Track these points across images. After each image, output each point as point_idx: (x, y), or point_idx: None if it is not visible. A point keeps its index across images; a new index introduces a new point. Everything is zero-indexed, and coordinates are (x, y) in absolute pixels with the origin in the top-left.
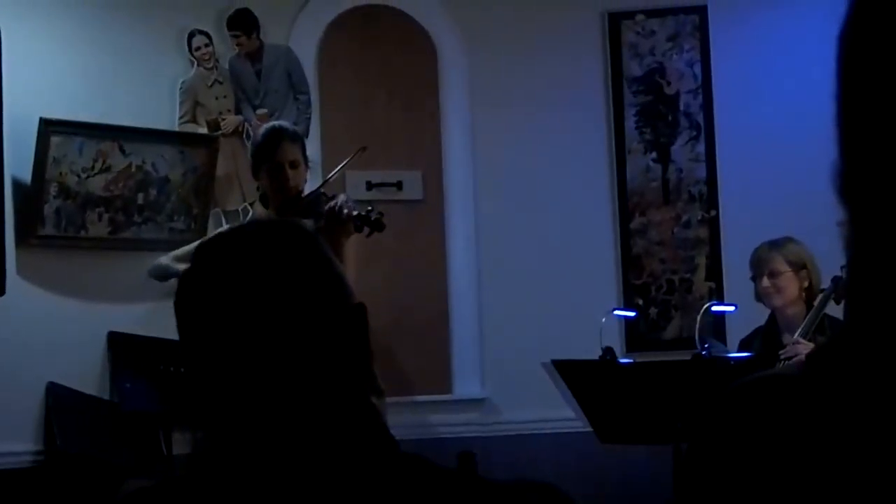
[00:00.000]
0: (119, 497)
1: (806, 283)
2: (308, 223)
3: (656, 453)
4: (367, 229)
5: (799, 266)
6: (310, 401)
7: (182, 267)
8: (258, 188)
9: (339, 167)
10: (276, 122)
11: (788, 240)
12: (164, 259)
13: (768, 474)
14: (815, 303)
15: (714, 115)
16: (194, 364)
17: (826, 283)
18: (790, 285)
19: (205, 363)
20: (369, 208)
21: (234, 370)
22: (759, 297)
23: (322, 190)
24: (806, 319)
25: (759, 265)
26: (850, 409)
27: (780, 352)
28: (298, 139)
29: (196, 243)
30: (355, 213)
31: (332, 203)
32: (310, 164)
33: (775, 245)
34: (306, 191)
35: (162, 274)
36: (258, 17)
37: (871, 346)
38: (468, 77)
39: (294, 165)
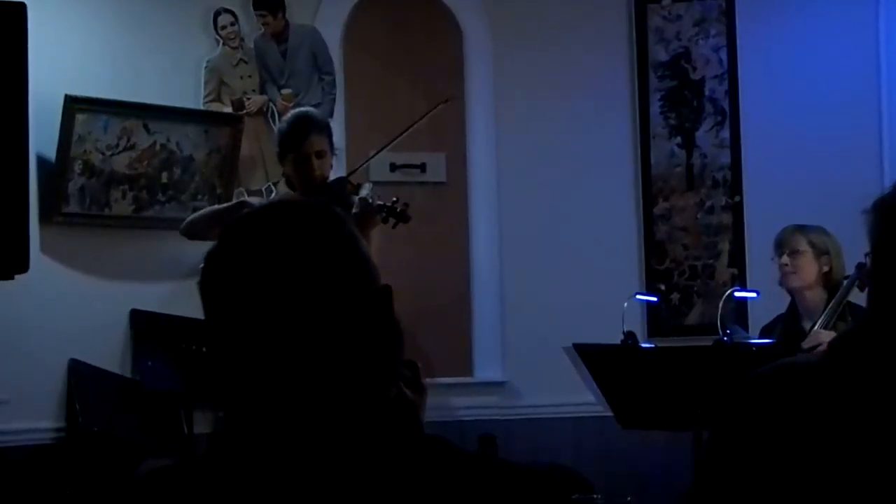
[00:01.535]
0: (136, 477)
1: (826, 269)
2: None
3: (676, 439)
4: (392, 220)
5: (821, 251)
6: (332, 383)
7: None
8: (283, 172)
9: (416, 121)
10: (303, 110)
11: (817, 226)
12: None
13: (788, 461)
14: (840, 290)
15: (739, 100)
16: (217, 344)
17: (849, 273)
18: (808, 267)
19: (228, 343)
20: (394, 199)
21: (257, 351)
22: (780, 278)
23: (348, 178)
24: (829, 307)
25: (782, 244)
26: (870, 398)
27: (803, 342)
28: (325, 129)
29: (235, 202)
30: (381, 203)
31: (358, 194)
32: (336, 151)
33: (801, 227)
34: (332, 176)
35: (204, 218)
36: None
37: (890, 338)
38: (493, 60)
39: (320, 156)
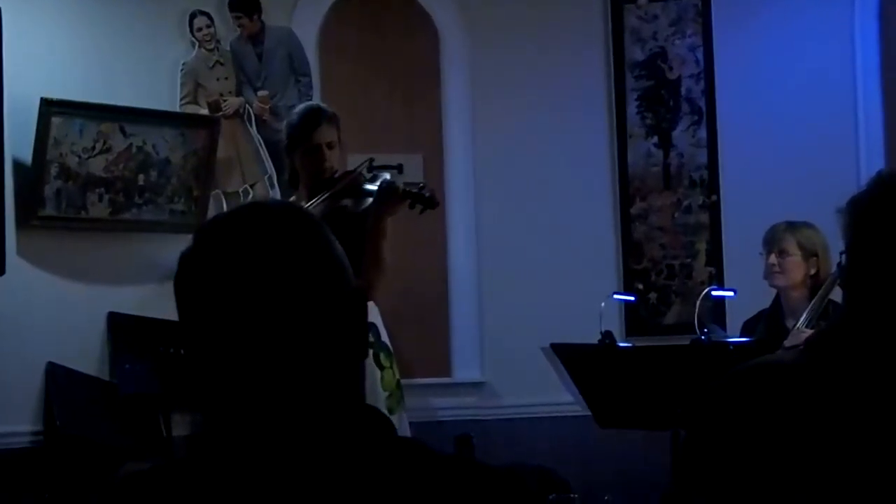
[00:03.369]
0: (116, 479)
1: (813, 271)
2: (347, 203)
3: (655, 438)
4: (419, 206)
5: (809, 253)
6: (307, 384)
7: None
8: (287, 168)
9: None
10: (312, 103)
11: (807, 225)
12: None
13: (766, 458)
14: (821, 289)
15: (716, 100)
16: (193, 346)
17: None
18: (796, 269)
19: (203, 345)
20: (421, 185)
21: (231, 353)
22: (766, 274)
23: (360, 170)
24: (810, 306)
25: (770, 242)
26: (846, 395)
27: (785, 341)
28: (335, 120)
29: None
30: (408, 189)
31: (384, 180)
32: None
33: (792, 226)
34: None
35: None
36: None
37: (867, 335)
38: (470, 61)
39: (331, 147)
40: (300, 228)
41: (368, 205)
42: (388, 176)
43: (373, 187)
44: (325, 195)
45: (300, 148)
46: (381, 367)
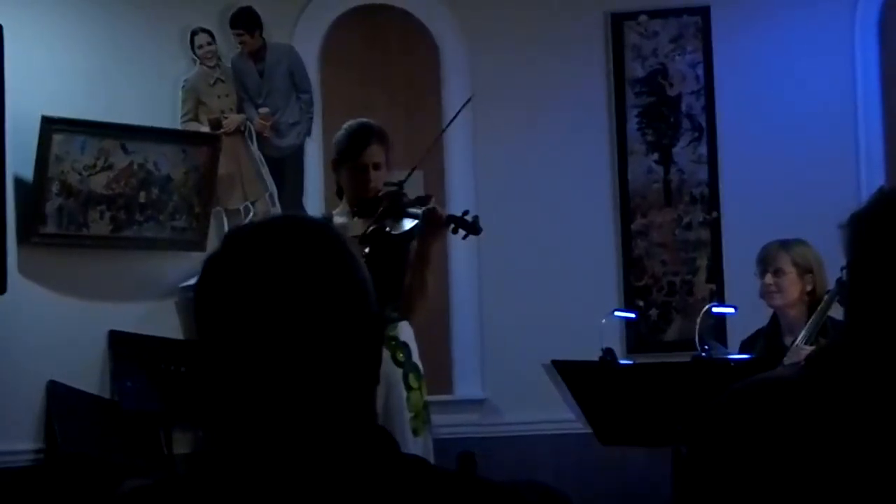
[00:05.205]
0: (117, 496)
1: (809, 287)
2: (389, 224)
3: (656, 455)
4: (462, 232)
5: (804, 269)
6: (315, 403)
7: None
8: (335, 180)
9: (447, 124)
10: (364, 120)
11: (799, 242)
12: None
13: (767, 476)
14: (820, 306)
15: (716, 116)
16: (204, 352)
17: (831, 287)
18: (792, 287)
19: (214, 354)
20: (465, 211)
21: (243, 367)
22: (762, 294)
23: (403, 190)
24: (809, 322)
25: (765, 262)
26: (848, 412)
27: (785, 358)
28: (385, 140)
29: None
30: (451, 214)
31: (427, 207)
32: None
33: (785, 245)
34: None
35: None
36: (261, 16)
37: (869, 351)
38: (470, 77)
39: (377, 167)
40: (329, 248)
41: (409, 227)
42: (433, 199)
43: (416, 211)
44: (368, 216)
45: (347, 165)
46: (409, 388)
